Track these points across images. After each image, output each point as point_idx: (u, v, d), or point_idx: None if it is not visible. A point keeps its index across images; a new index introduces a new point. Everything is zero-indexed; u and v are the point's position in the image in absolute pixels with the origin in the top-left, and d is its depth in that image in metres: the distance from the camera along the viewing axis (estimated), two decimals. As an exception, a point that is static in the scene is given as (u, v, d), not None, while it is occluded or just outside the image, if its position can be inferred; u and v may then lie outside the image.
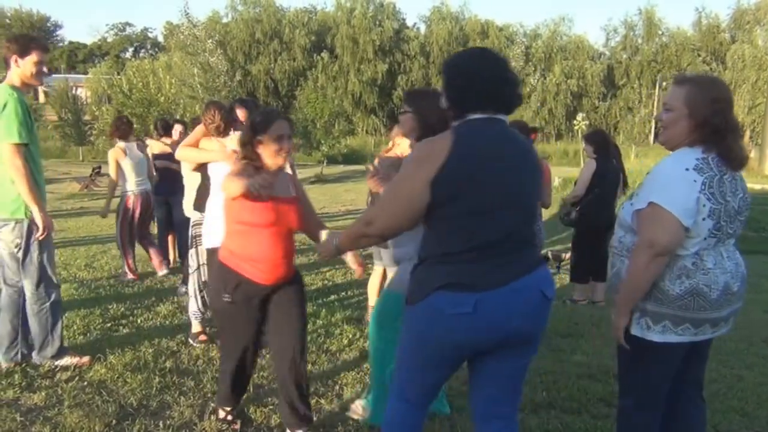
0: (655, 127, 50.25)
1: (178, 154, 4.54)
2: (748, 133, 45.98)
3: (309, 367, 4.10)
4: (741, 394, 3.84)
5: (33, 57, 3.69)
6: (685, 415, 2.57)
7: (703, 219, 2.21)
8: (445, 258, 2.08)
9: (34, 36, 3.90)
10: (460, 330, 2.05)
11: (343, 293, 6.33)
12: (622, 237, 2.39)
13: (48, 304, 3.91)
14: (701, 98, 2.25)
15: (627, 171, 6.93)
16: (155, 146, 7.44)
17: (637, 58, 51.03)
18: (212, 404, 3.43)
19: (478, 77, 2.10)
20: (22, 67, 3.71)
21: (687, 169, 2.22)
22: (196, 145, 4.32)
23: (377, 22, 50.89)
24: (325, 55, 50.01)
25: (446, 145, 2.05)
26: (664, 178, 2.26)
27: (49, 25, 69.69)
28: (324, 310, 5.44)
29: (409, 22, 55.91)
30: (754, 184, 18.78)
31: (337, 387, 3.81)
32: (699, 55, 49.62)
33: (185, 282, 6.11)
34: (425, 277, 2.10)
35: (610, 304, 2.50)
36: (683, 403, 2.56)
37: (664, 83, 48.74)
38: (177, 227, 7.08)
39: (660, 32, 51.50)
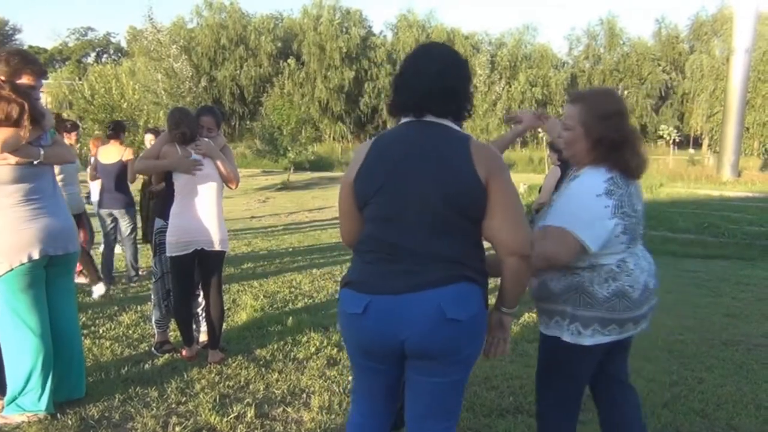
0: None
1: (137, 167, 4.50)
2: (706, 141, 47.23)
3: (276, 375, 4.07)
4: (701, 396, 3.91)
5: None
6: (619, 403, 2.67)
7: (617, 236, 2.30)
8: (356, 256, 2.12)
9: None
10: (356, 330, 2.07)
11: (310, 300, 6.29)
12: None
13: None
14: (593, 116, 2.34)
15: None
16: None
17: (599, 67, 52.06)
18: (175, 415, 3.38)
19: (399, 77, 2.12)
20: None
21: (598, 195, 2.29)
22: (156, 155, 4.26)
23: (344, 29, 50.96)
24: (291, 61, 49.88)
25: (365, 149, 2.11)
26: (575, 206, 2.33)
27: (7, 29, 68.16)
28: (291, 317, 5.40)
29: (376, 30, 56.24)
30: (711, 191, 19.24)
31: (304, 395, 3.78)
32: (659, 65, 50.84)
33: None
34: (345, 274, 2.13)
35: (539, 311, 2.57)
36: (615, 393, 2.67)
37: (626, 92, 49.80)
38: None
39: (621, 42, 52.66)
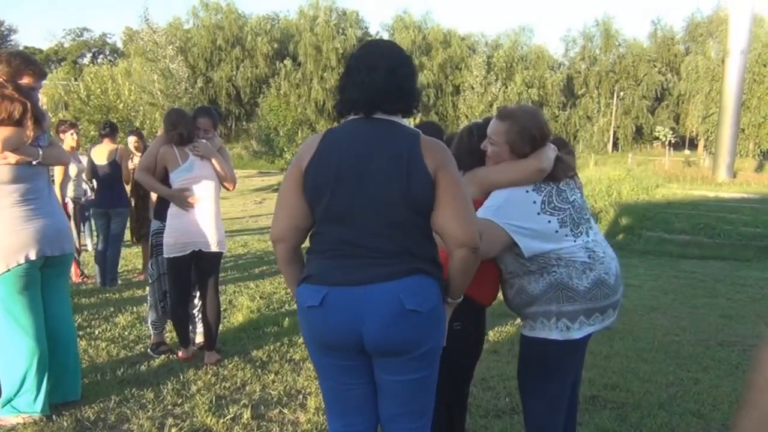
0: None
1: (138, 178, 4.48)
2: (702, 143, 47.35)
3: (272, 376, 4.06)
4: (697, 397, 3.92)
5: None
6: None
7: (557, 231, 2.35)
8: (309, 255, 2.09)
9: None
10: (315, 324, 2.03)
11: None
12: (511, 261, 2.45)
13: None
14: (520, 137, 2.40)
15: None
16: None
17: (595, 69, 52.12)
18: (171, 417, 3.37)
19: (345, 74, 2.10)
20: None
21: (527, 191, 2.38)
22: (154, 160, 4.24)
23: (340, 30, 51.00)
24: (288, 62, 49.90)
25: (315, 142, 2.07)
26: (504, 200, 2.36)
27: (3, 29, 68.00)
28: (287, 318, 5.40)
29: (372, 31, 56.21)
30: (707, 192, 19.29)
31: (300, 396, 3.78)
32: (655, 66, 50.96)
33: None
34: (303, 273, 2.11)
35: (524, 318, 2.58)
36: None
37: (622, 93, 49.94)
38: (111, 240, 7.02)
39: (617, 43, 52.75)
